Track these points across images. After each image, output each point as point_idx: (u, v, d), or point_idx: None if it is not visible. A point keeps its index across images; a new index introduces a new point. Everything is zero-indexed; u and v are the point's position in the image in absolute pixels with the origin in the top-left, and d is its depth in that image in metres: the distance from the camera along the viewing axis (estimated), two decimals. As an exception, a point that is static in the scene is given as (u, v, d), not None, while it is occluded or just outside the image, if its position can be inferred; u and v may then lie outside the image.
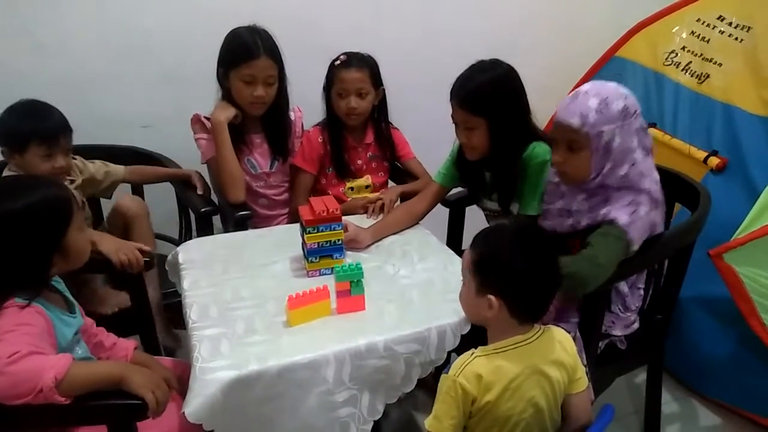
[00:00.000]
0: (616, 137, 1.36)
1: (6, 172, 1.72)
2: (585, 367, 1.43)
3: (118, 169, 1.97)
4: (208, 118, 1.97)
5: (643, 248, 1.43)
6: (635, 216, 1.38)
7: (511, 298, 1.15)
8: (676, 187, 1.75)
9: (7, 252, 1.13)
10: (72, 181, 1.81)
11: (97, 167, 1.92)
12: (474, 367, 1.13)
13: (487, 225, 1.93)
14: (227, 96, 1.99)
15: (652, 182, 1.42)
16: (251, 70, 1.89)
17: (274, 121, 2.05)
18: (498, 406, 1.14)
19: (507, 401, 1.14)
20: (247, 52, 1.88)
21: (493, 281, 1.16)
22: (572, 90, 2.57)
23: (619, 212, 1.38)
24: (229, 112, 1.94)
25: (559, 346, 1.21)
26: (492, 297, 1.15)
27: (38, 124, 1.68)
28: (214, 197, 2.05)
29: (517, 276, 1.14)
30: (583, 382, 1.24)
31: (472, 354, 1.16)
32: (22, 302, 1.12)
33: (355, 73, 1.96)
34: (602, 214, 1.40)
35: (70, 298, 1.30)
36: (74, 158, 1.86)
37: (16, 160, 1.69)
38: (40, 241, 1.16)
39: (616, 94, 1.37)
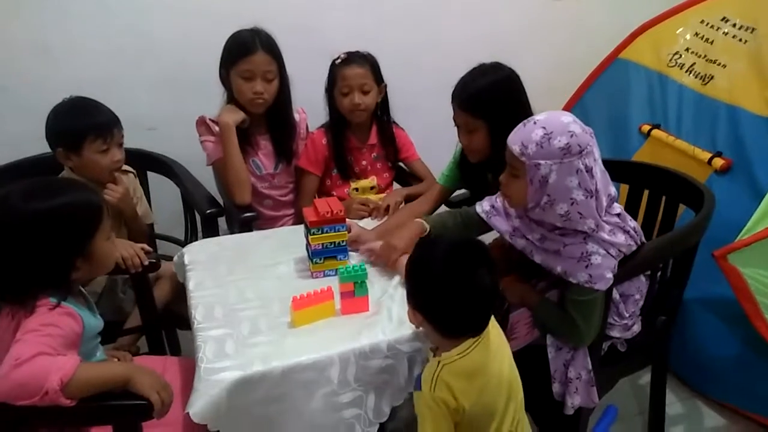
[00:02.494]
0: (552, 173, 1.29)
1: None
2: (590, 371, 1.44)
3: (149, 218, 1.98)
4: (214, 121, 1.98)
5: (625, 260, 1.42)
6: (592, 268, 1.34)
7: (431, 316, 1.13)
8: (680, 189, 1.75)
9: (32, 250, 1.14)
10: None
11: (144, 205, 1.95)
12: (446, 378, 1.12)
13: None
14: (231, 99, 2.00)
15: (600, 225, 1.36)
16: (249, 65, 1.90)
17: (279, 122, 2.06)
18: (480, 402, 1.14)
19: (486, 395, 1.14)
20: (244, 47, 1.91)
21: (416, 294, 1.15)
22: (574, 94, 2.61)
23: (575, 271, 1.36)
24: (237, 116, 1.95)
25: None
26: (411, 310, 1.14)
27: (90, 118, 1.69)
28: (219, 199, 2.06)
29: (436, 295, 1.11)
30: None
31: (438, 364, 1.14)
32: (54, 302, 1.14)
33: (357, 69, 1.98)
34: (558, 272, 1.38)
35: (90, 299, 1.32)
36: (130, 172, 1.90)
37: (73, 161, 1.69)
38: (64, 243, 1.17)
39: (562, 129, 1.29)
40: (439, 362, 1.14)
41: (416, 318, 1.15)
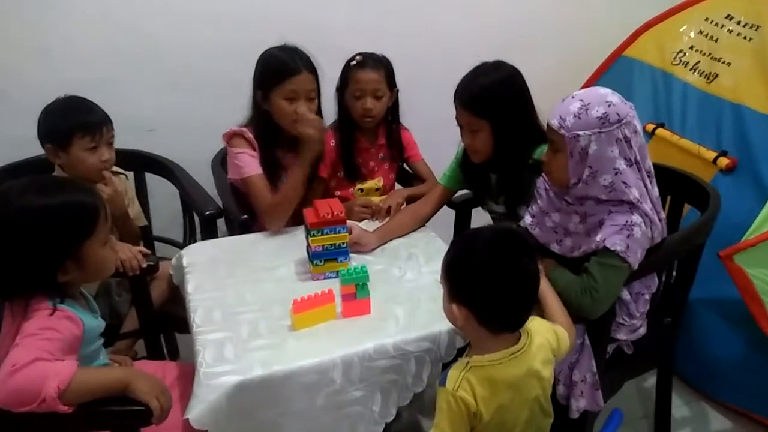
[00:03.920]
0: (592, 144, 1.32)
1: None
2: (595, 374, 1.42)
3: (141, 220, 1.96)
4: (256, 135, 1.87)
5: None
6: (631, 240, 1.34)
7: (477, 309, 1.11)
8: (685, 188, 1.73)
9: (20, 247, 1.11)
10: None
11: (136, 207, 1.92)
12: (471, 380, 1.11)
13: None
14: (259, 120, 1.90)
15: (644, 197, 1.38)
16: (294, 86, 1.82)
17: None
18: (499, 416, 1.13)
19: (507, 411, 1.13)
20: (287, 68, 1.82)
21: (459, 289, 1.13)
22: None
23: (615, 238, 1.34)
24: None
25: (546, 341, 1.20)
26: (455, 306, 1.12)
27: (80, 116, 1.69)
28: (217, 200, 2.04)
29: (482, 287, 1.10)
30: (565, 344, 1.25)
31: (467, 365, 1.13)
32: (52, 305, 1.12)
33: (371, 74, 1.93)
34: (597, 241, 1.37)
35: (92, 300, 1.29)
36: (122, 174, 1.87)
37: (61, 158, 1.69)
38: (53, 244, 1.13)
39: (599, 100, 1.33)
40: (467, 363, 1.13)
41: (460, 313, 1.12)
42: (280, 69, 1.83)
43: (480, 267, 1.11)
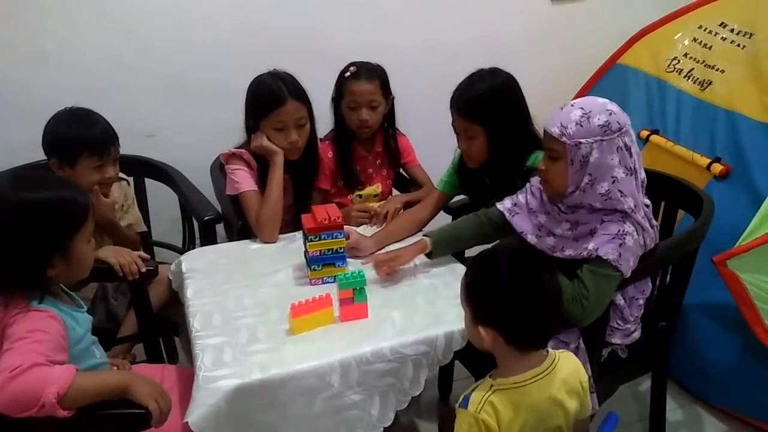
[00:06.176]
0: (594, 151, 1.33)
1: None
2: (590, 378, 1.43)
3: (140, 226, 1.96)
4: (253, 154, 1.88)
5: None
6: (623, 248, 1.36)
7: (504, 329, 1.11)
8: (679, 194, 1.74)
9: (12, 240, 1.12)
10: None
11: (135, 212, 1.92)
12: (495, 403, 1.10)
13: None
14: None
15: (639, 205, 1.39)
16: (281, 117, 1.82)
17: (303, 163, 1.96)
18: None
19: None
20: (273, 99, 1.81)
21: (484, 312, 1.13)
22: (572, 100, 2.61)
23: (607, 247, 1.36)
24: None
25: (575, 374, 1.19)
26: (482, 329, 1.12)
27: (88, 134, 1.68)
28: (216, 205, 2.05)
29: (508, 307, 1.10)
30: (588, 408, 1.24)
31: (491, 388, 1.12)
32: (36, 306, 1.12)
33: (366, 85, 1.94)
34: (589, 249, 1.38)
35: (71, 293, 1.30)
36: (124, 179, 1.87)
37: (66, 172, 1.68)
38: (44, 237, 1.15)
39: (600, 109, 1.34)
40: (492, 385, 1.13)
41: (487, 335, 1.12)
42: (267, 100, 1.83)
43: (504, 287, 1.11)
